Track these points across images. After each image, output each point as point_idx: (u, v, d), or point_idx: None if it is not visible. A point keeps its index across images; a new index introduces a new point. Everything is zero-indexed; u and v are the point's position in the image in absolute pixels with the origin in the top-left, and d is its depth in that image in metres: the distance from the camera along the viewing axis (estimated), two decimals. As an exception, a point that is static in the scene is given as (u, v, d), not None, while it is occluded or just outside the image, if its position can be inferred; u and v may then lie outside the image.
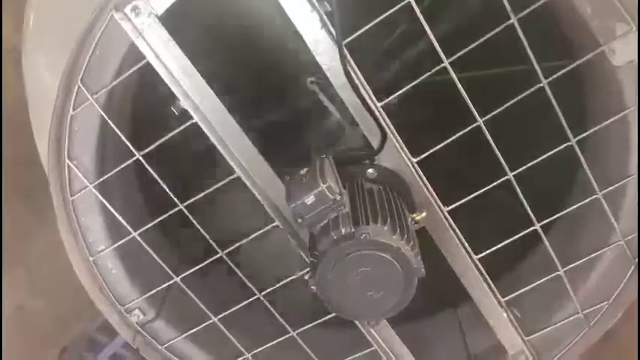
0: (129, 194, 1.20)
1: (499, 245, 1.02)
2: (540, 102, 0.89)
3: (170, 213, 1.00)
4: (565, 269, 1.04)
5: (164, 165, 1.01)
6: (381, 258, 0.78)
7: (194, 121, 0.89)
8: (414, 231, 0.87)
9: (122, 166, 0.96)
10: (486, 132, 0.91)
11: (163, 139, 0.91)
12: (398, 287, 0.79)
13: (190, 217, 0.99)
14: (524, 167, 0.93)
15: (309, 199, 0.80)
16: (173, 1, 0.83)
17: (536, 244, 1.13)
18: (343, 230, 0.80)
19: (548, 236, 1.03)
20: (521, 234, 1.00)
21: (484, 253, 1.03)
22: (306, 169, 0.86)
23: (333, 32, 0.82)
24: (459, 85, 0.86)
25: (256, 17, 0.95)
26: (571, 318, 1.10)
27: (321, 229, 0.83)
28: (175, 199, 0.97)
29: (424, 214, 0.90)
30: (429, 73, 0.86)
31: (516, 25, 0.83)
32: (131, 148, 0.93)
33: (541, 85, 0.87)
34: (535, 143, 1.00)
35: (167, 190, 0.97)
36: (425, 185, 0.97)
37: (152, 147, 0.92)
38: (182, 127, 0.89)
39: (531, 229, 1.00)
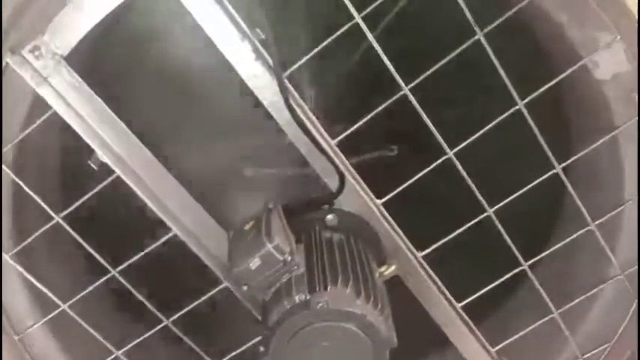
0: (68, 253, 1.05)
1: (483, 290, 0.89)
2: (520, 125, 0.77)
3: (102, 280, 0.85)
4: (560, 311, 0.91)
5: (100, 221, 0.88)
6: (343, 329, 0.65)
7: (116, 175, 0.75)
8: (383, 289, 0.74)
9: (39, 232, 0.81)
10: (458, 165, 0.79)
11: (82, 200, 0.77)
12: (366, 361, 0.66)
13: (125, 282, 0.85)
14: (503, 202, 0.81)
15: (254, 263, 0.67)
16: (80, 39, 0.69)
17: (523, 280, 1.00)
18: (297, 298, 0.66)
19: (537, 272, 0.90)
20: (508, 275, 0.87)
21: (467, 300, 0.90)
22: (251, 223, 0.73)
23: (270, 63, 0.69)
24: (424, 115, 0.74)
25: (187, 51, 0.82)
26: (570, 363, 0.97)
27: (274, 295, 0.70)
28: (107, 265, 0.83)
29: (393, 268, 0.77)
30: (386, 103, 0.74)
31: (483, 41, 0.71)
32: (48, 210, 0.79)
33: (518, 107, 0.75)
34: (516, 171, 0.88)
35: (95, 254, 0.83)
36: (394, 229, 0.84)
37: (71, 208, 0.78)
38: (103, 184, 0.75)
39: (518, 269, 0.87)
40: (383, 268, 0.77)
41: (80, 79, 0.73)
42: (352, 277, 0.70)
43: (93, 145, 0.74)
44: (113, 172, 0.76)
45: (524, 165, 0.88)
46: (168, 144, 0.82)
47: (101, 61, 0.76)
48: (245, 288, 0.68)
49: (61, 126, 0.74)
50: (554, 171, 0.80)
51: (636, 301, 0.92)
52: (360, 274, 0.71)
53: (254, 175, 0.86)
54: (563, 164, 0.80)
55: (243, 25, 0.69)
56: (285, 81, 0.71)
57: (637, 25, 0.72)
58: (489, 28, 0.70)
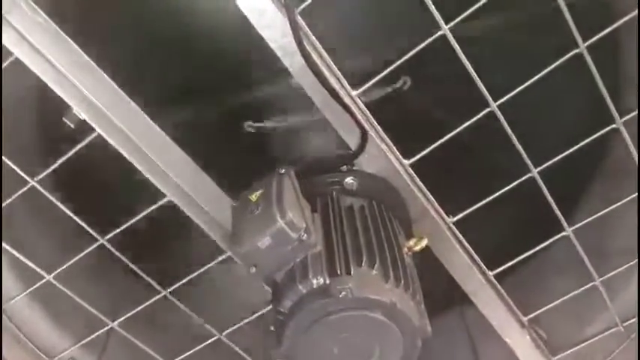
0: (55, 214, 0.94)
1: (519, 258, 0.79)
2: (569, 76, 0.64)
3: (90, 249, 0.75)
4: (602, 279, 0.82)
5: (84, 184, 0.76)
6: (369, 319, 0.55)
7: (96, 134, 0.63)
8: (413, 268, 0.63)
9: (11, 198, 0.70)
10: (502, 118, 0.67)
11: (58, 163, 0.65)
12: (395, 355, 0.56)
13: (117, 252, 0.75)
14: (550, 162, 0.70)
15: (263, 242, 0.56)
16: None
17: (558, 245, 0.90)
18: (314, 282, 0.56)
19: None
20: (549, 241, 0.77)
21: (501, 269, 0.80)
22: (259, 191, 0.61)
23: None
24: (464, 59, 0.60)
25: None
26: (607, 333, 0.89)
27: (286, 276, 0.59)
28: (96, 235, 0.73)
29: (424, 242, 0.66)
30: (421, 45, 0.60)
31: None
32: (22, 174, 0.68)
33: (578, 50, 0.62)
34: (561, 127, 0.75)
35: (80, 222, 0.72)
36: (422, 193, 0.73)
37: (45, 173, 0.66)
38: (80, 145, 0.63)
39: (560, 235, 0.77)
40: (412, 241, 0.66)
41: (46, 17, 0.59)
42: (379, 255, 0.59)
43: (66, 99, 0.61)
44: (93, 129, 0.63)
45: (568, 120, 0.75)
46: (156, 96, 0.68)
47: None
48: (253, 270, 0.57)
49: (30, 75, 0.61)
50: (614, 126, 0.68)
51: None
52: (388, 251, 0.60)
53: (257, 130, 0.73)
54: (625, 117, 0.67)
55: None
56: (299, 17, 0.57)
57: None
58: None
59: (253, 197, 0.61)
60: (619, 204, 0.75)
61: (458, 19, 0.59)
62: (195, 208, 0.70)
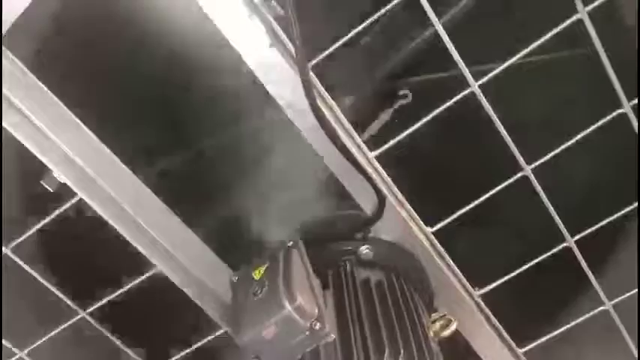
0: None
1: (552, 334, 0.70)
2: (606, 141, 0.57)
3: (69, 323, 0.66)
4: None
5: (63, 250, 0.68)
6: None
7: (79, 198, 0.55)
8: (440, 355, 0.55)
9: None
10: (535, 182, 0.59)
11: (34, 230, 0.57)
12: None
13: (98, 326, 0.66)
14: (587, 232, 0.62)
15: (269, 331, 0.47)
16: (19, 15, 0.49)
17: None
18: (329, 380, 0.47)
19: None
20: (589, 314, 0.68)
21: (532, 345, 0.71)
22: (264, 266, 0.53)
23: (292, 49, 0.49)
24: (496, 119, 0.53)
25: (174, 30, 0.59)
26: None
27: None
28: (74, 306, 0.64)
29: (454, 326, 0.57)
30: (441, 108, 0.53)
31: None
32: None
33: (622, 110, 0.55)
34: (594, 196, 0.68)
35: (59, 294, 0.63)
36: (446, 263, 0.65)
37: (19, 240, 0.58)
38: (61, 209, 0.55)
39: (600, 309, 0.69)
40: (438, 325, 0.57)
41: (24, 68, 0.52)
42: (403, 345, 0.50)
43: (45, 160, 0.54)
44: (75, 193, 0.56)
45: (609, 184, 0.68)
46: (149, 155, 0.61)
47: (56, 46, 0.54)
48: (256, 362, 0.48)
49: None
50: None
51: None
52: (413, 338, 0.52)
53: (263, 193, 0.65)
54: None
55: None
56: (311, 74, 0.50)
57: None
58: None
59: (257, 274, 0.53)
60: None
61: (490, 75, 0.53)
62: (188, 279, 0.62)
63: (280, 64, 0.50)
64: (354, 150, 0.56)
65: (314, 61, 0.51)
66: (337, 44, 0.50)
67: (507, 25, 0.62)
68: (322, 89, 0.53)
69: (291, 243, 0.56)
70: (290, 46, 0.49)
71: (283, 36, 0.50)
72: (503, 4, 0.62)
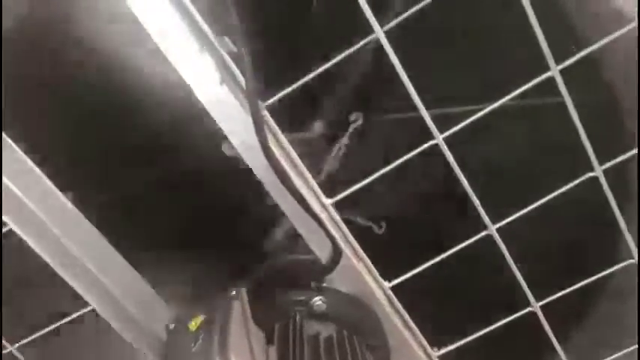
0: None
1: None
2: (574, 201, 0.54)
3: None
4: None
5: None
6: None
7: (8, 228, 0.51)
8: None
9: None
10: (500, 242, 0.56)
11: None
12: None
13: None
14: (556, 295, 0.59)
15: (198, 390, 0.43)
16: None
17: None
18: None
19: None
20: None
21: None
22: (200, 318, 0.49)
23: (244, 86, 0.46)
24: (460, 175, 0.51)
25: (126, 64, 0.56)
26: None
27: None
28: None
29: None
30: (411, 154, 0.51)
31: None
32: None
33: (593, 174, 0.52)
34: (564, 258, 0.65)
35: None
36: (403, 320, 0.61)
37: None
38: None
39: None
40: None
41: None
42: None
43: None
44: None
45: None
46: (90, 186, 0.57)
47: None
48: None
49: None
50: (632, 261, 0.58)
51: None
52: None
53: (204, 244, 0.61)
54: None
55: (206, 30, 0.45)
56: (264, 112, 0.48)
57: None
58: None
59: (193, 325, 0.49)
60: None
61: (456, 128, 0.50)
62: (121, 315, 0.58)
63: (231, 102, 0.47)
64: (306, 193, 0.52)
65: (269, 101, 0.48)
66: (295, 85, 0.47)
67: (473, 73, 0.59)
68: (277, 129, 0.50)
69: (234, 293, 0.52)
70: (243, 81, 0.47)
71: (237, 73, 0.47)
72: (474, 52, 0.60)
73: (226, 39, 0.44)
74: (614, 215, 0.55)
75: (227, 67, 0.47)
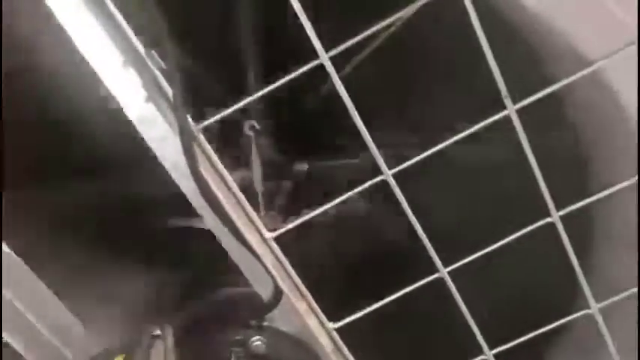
0: None
1: None
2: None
3: None
4: None
5: None
6: None
7: None
8: None
9: None
10: (452, 287, 0.53)
11: None
12: None
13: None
14: (509, 345, 0.55)
15: None
16: None
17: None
18: None
19: None
20: None
21: None
22: (120, 358, 0.45)
23: (173, 104, 0.42)
24: (414, 221, 0.47)
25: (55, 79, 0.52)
26: None
27: None
28: None
29: None
30: (361, 188, 0.47)
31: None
32: None
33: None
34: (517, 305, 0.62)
35: None
36: (348, 365, 0.57)
37: None
38: None
39: None
40: None
41: None
42: None
43: None
44: None
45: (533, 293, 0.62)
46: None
47: None
48: None
49: None
50: (588, 311, 0.54)
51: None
52: None
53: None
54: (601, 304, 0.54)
55: (135, 43, 0.41)
56: (196, 133, 0.44)
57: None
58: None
59: (110, 364, 0.44)
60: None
61: (406, 164, 0.47)
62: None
63: (160, 122, 0.44)
64: (244, 225, 0.48)
65: (204, 123, 0.44)
66: (232, 108, 0.43)
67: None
68: (212, 154, 0.46)
69: (157, 332, 0.47)
70: (172, 100, 0.43)
71: (168, 91, 0.43)
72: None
73: (154, 53, 0.41)
74: (570, 264, 0.52)
75: (158, 84, 0.43)
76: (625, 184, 0.48)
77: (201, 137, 0.45)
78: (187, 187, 0.47)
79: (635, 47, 0.41)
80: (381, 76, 0.60)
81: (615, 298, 0.53)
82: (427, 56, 0.64)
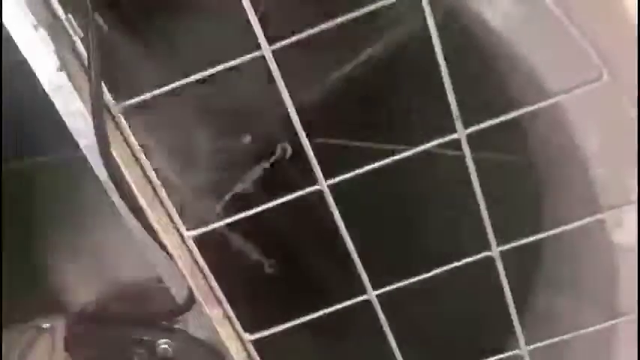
0: None
1: None
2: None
3: None
4: None
5: None
6: None
7: None
8: None
9: None
10: (378, 307, 0.49)
11: None
12: None
13: None
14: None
15: None
16: None
17: None
18: None
19: None
20: None
21: None
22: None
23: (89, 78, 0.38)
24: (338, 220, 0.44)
25: None
26: None
27: None
28: None
29: None
30: (290, 196, 0.44)
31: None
32: None
33: (490, 253, 0.46)
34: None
35: None
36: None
37: None
38: None
39: None
40: None
41: None
42: None
43: None
44: None
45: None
46: None
47: None
48: None
49: None
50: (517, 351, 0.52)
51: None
52: None
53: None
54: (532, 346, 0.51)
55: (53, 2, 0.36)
56: (115, 114, 0.39)
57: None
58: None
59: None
60: None
61: (340, 177, 0.43)
62: None
63: (74, 94, 0.39)
64: (160, 219, 0.44)
65: (125, 103, 0.40)
66: (159, 90, 0.39)
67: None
68: (134, 142, 0.42)
69: (48, 325, 0.42)
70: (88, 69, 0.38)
71: (84, 59, 0.38)
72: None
73: (71, 17, 0.36)
74: (505, 302, 0.49)
75: (77, 53, 0.38)
76: (569, 227, 0.45)
77: (122, 119, 0.41)
78: (101, 171, 0.43)
79: (598, 85, 0.38)
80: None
81: (544, 343, 0.50)
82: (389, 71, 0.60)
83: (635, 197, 0.41)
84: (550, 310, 0.58)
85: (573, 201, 0.51)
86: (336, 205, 0.43)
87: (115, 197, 0.43)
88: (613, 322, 0.49)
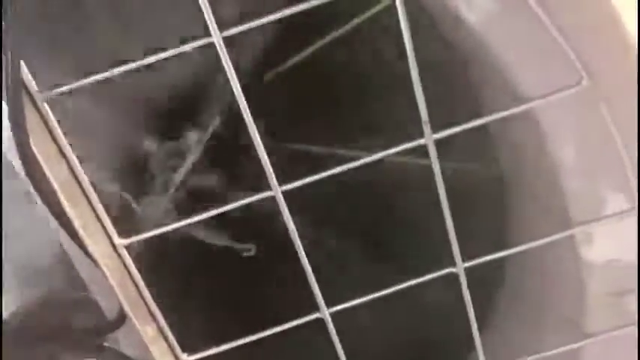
0: None
1: None
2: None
3: None
4: None
5: None
6: None
7: None
8: None
9: None
10: (332, 329, 0.45)
11: None
12: None
13: None
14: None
15: None
16: None
17: None
18: None
19: None
20: None
21: None
22: None
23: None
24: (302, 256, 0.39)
25: None
26: None
27: None
28: None
29: None
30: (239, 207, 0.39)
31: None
32: None
33: (454, 269, 0.43)
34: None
35: None
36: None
37: None
38: None
39: None
40: None
41: None
42: None
43: None
44: None
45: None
46: None
47: None
48: None
49: None
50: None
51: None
52: None
53: None
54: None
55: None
56: (40, 103, 0.34)
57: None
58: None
59: None
60: None
61: (295, 183, 0.39)
62: None
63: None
64: (89, 227, 0.38)
65: (50, 92, 0.34)
66: (88, 80, 0.34)
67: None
68: (60, 133, 0.36)
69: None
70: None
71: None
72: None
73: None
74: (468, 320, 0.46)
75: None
76: (533, 244, 0.42)
77: (47, 109, 0.35)
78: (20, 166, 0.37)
79: (576, 90, 0.35)
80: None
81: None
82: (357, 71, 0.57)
83: (609, 210, 0.39)
84: (511, 329, 0.55)
85: (541, 212, 0.48)
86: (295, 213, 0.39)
87: (37, 199, 0.37)
88: (576, 345, 0.46)
